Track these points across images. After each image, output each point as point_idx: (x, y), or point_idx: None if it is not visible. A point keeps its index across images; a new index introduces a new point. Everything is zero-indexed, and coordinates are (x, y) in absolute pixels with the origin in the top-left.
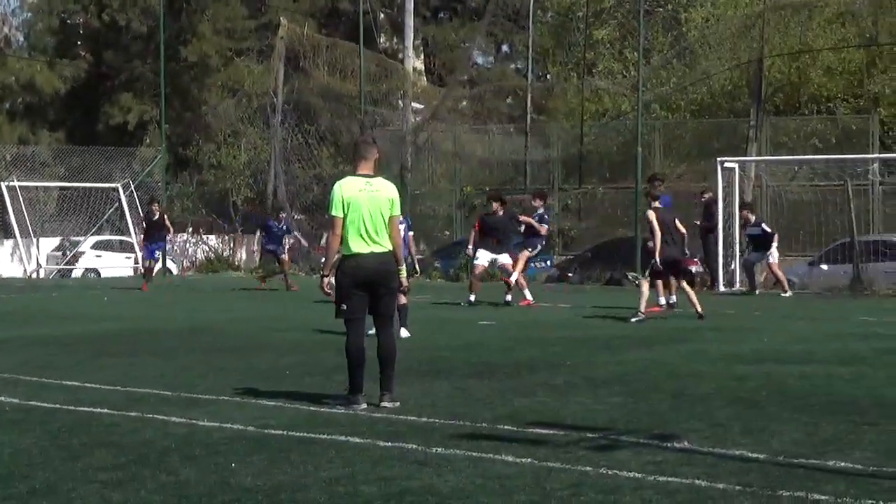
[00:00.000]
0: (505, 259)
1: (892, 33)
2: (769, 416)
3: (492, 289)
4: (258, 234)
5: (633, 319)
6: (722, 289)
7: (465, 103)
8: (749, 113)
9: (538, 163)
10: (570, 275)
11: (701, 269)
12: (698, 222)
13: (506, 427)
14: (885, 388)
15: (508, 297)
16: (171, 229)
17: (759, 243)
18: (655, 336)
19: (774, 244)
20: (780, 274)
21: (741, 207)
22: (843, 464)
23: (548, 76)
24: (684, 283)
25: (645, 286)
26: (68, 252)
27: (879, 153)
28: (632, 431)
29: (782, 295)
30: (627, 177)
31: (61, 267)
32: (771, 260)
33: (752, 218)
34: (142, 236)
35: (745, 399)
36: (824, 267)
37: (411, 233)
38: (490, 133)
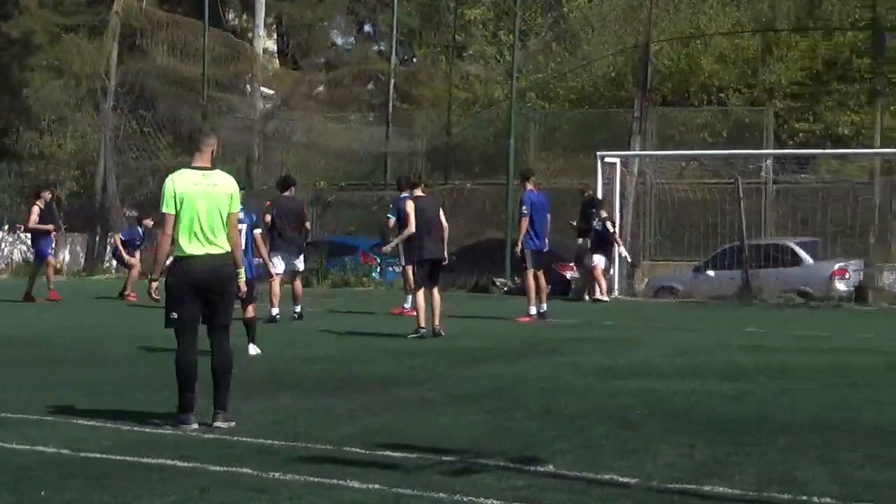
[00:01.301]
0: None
1: (790, 18)
2: (645, 436)
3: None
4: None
5: (412, 336)
6: (598, 296)
7: (321, 89)
8: (634, 103)
9: (401, 155)
10: None
11: (577, 275)
12: (574, 223)
13: (354, 449)
14: (770, 407)
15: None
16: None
17: (600, 242)
18: (525, 348)
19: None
20: (600, 278)
21: (596, 204)
22: (721, 489)
23: (414, 60)
24: (435, 290)
25: (420, 296)
26: None
27: (773, 149)
28: (494, 453)
29: (602, 299)
30: (499, 172)
31: None
32: (596, 263)
33: (603, 213)
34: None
35: (620, 417)
36: (711, 273)
37: (258, 231)
38: (349, 122)
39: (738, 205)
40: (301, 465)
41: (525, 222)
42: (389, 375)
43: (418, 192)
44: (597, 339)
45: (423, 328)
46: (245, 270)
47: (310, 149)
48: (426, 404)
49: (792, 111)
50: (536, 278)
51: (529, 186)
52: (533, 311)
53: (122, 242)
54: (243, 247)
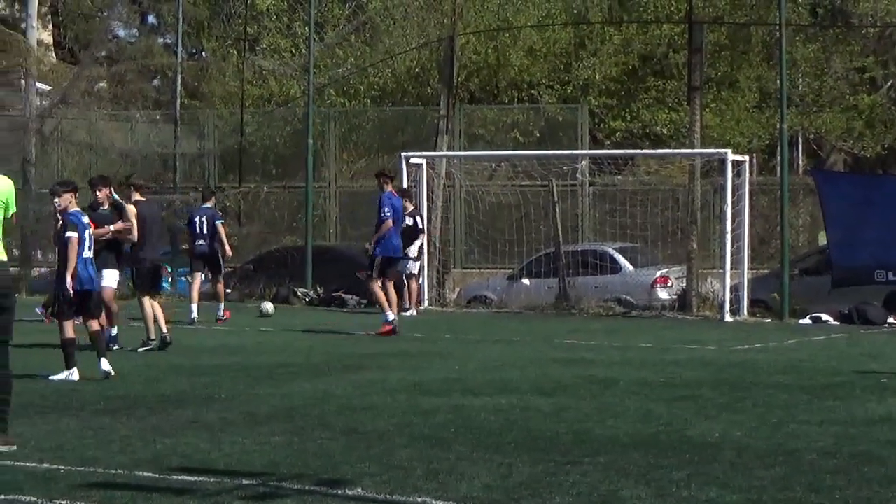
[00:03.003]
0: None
1: (603, 10)
2: (457, 456)
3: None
4: None
5: (141, 349)
6: (407, 308)
7: (103, 85)
8: (439, 100)
9: (191, 156)
10: (228, 291)
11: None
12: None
13: (147, 473)
14: (590, 422)
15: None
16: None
17: (411, 239)
18: (327, 364)
19: (418, 243)
20: (413, 287)
21: (401, 194)
22: None
23: (202, 53)
24: (152, 298)
25: (147, 304)
26: None
27: (589, 148)
28: (297, 476)
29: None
30: (297, 174)
31: None
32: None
33: (409, 206)
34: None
35: (430, 437)
36: (526, 281)
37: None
38: (133, 121)
39: (554, 208)
40: (90, 490)
41: (387, 226)
42: (181, 394)
43: (138, 197)
44: (405, 352)
45: (154, 339)
46: (86, 282)
47: (91, 150)
48: (223, 424)
49: (608, 108)
50: (384, 288)
51: (389, 188)
52: (391, 316)
53: None
54: (91, 254)
